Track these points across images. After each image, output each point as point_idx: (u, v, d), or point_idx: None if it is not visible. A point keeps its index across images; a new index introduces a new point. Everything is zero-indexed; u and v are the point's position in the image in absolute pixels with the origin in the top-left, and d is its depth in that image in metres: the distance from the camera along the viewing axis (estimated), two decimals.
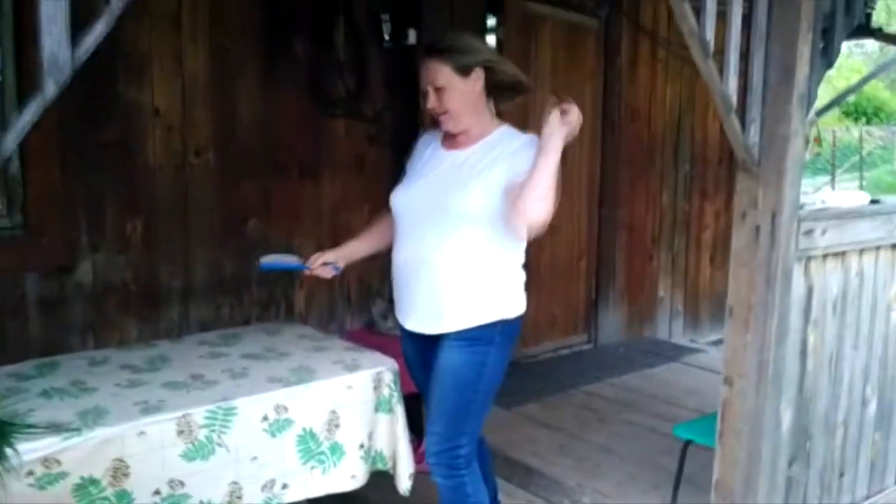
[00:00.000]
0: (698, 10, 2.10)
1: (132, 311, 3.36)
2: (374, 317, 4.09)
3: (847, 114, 20.74)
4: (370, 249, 2.62)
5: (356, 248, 2.62)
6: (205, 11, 3.39)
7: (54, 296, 3.18)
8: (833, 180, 14.71)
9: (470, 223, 2.23)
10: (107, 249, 3.28)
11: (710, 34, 2.12)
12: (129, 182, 3.30)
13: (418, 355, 2.47)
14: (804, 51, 2.25)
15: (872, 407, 2.79)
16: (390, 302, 4.09)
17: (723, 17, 2.18)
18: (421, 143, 2.51)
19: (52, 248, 3.14)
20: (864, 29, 5.79)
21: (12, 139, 1.26)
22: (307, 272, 2.58)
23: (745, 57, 2.26)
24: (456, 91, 2.26)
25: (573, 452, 3.47)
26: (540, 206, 2.10)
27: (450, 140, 2.37)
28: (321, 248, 3.83)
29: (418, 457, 3.53)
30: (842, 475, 2.74)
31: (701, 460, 2.75)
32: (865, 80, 6.58)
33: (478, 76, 2.27)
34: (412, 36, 3.95)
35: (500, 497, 2.78)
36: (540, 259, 4.71)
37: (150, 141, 3.35)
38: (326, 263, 2.56)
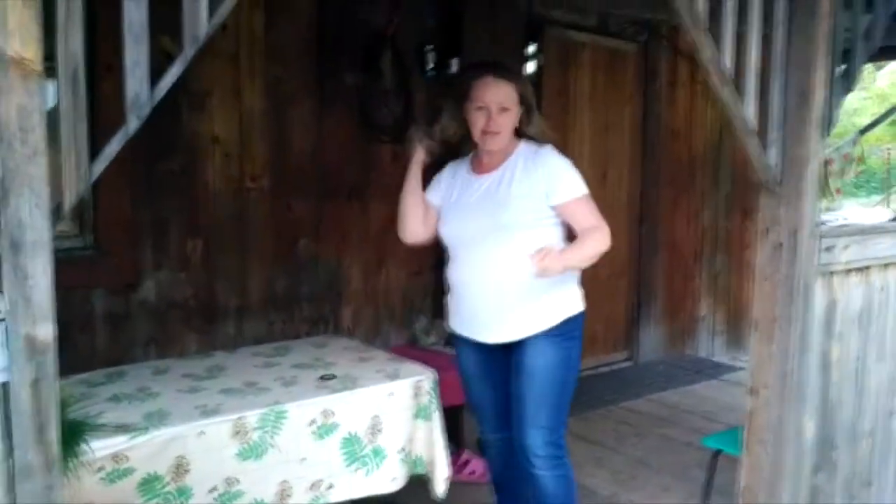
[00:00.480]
0: (717, 37, 2.24)
1: (192, 325, 3.60)
2: (417, 333, 4.26)
3: None
4: (420, 212, 2.71)
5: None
6: (261, 48, 3.64)
7: (120, 311, 3.43)
8: (888, 199, 14.41)
9: (521, 231, 2.41)
10: (169, 268, 3.53)
11: (728, 61, 2.26)
12: (191, 206, 3.55)
13: (481, 365, 2.64)
14: (821, 75, 2.36)
15: None
16: (433, 318, 4.29)
17: (742, 40, 2.31)
18: (447, 174, 2.69)
19: (119, 267, 3.40)
20: None
21: (99, 167, 1.47)
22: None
23: (763, 81, 2.38)
24: (513, 114, 2.48)
25: (609, 465, 3.57)
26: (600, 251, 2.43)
27: (478, 165, 2.57)
28: (367, 266, 4.09)
29: (457, 467, 3.69)
30: (869, 485, 2.79)
31: (732, 472, 2.83)
32: None
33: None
34: (454, 65, 4.14)
35: None
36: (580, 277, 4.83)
37: (209, 168, 3.60)
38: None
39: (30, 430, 1.37)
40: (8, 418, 1.37)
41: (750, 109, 2.34)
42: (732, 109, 2.32)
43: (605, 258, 4.96)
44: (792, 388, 2.45)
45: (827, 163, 6.09)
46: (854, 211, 2.67)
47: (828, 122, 2.45)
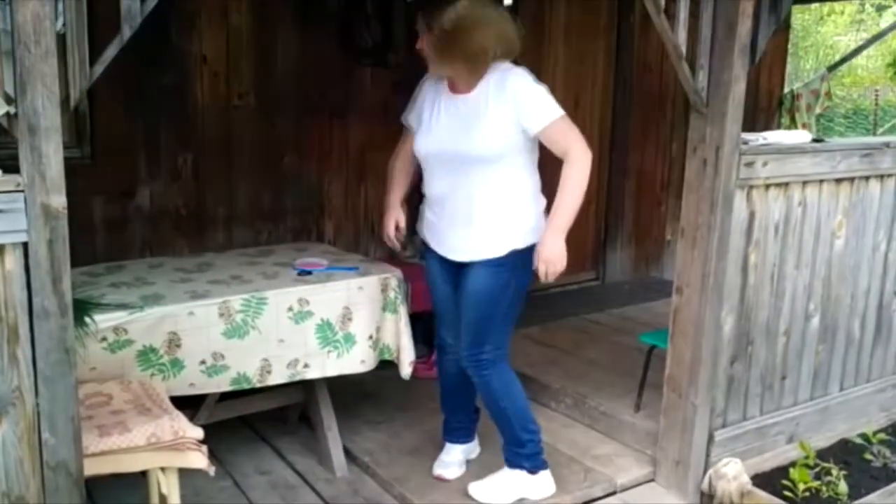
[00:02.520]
0: None
1: (183, 232, 3.91)
2: None
3: None
4: (403, 194, 3.01)
5: (397, 200, 2.98)
6: None
7: (117, 217, 3.74)
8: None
9: (485, 164, 2.57)
10: (162, 179, 3.83)
11: None
12: (181, 121, 3.83)
13: (442, 275, 2.85)
14: (746, 7, 2.62)
15: (815, 321, 3.19)
16: (411, 235, 4.60)
17: None
18: (427, 95, 2.77)
19: (115, 176, 3.70)
20: None
21: (98, 69, 1.75)
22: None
23: (694, 13, 2.64)
24: (428, 38, 2.59)
25: (563, 365, 3.94)
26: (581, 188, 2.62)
27: (452, 86, 2.68)
28: (347, 183, 4.38)
29: (429, 365, 4.07)
30: (784, 378, 3.16)
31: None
32: (862, 48, 6.86)
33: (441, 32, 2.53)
34: None
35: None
36: (550, 201, 5.13)
37: (198, 85, 3.86)
38: (397, 230, 2.95)
39: (47, 281, 1.69)
40: (28, 272, 1.69)
41: (681, 36, 2.61)
42: (665, 36, 2.59)
43: None
44: (711, 288, 2.78)
45: (796, 98, 6.33)
46: (776, 133, 2.92)
47: (753, 51, 2.72)
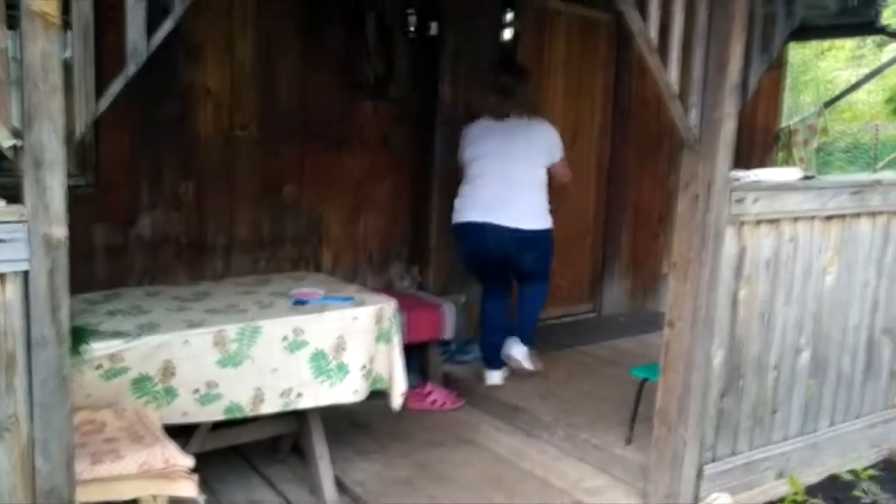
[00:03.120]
0: (644, 11, 2.56)
1: (183, 260, 3.96)
2: (392, 277, 4.63)
3: None
4: None
5: None
6: (253, 5, 3.95)
7: (118, 244, 3.79)
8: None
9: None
10: (164, 207, 3.88)
11: (654, 33, 2.58)
12: (184, 151, 3.89)
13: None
14: (737, 48, 2.69)
15: (806, 356, 3.22)
16: (408, 265, 4.66)
17: (667, 14, 2.63)
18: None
19: (118, 204, 3.75)
20: (873, 26, 6.10)
21: (104, 104, 1.81)
22: None
23: (686, 51, 2.70)
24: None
25: (558, 396, 3.96)
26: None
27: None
28: (346, 214, 4.44)
29: (422, 396, 4.09)
30: (774, 412, 3.17)
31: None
32: (859, 84, 6.97)
33: None
34: (434, 28, 4.45)
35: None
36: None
37: (202, 116, 3.93)
38: None
39: (46, 310, 1.73)
40: (27, 300, 1.73)
41: (673, 76, 2.67)
42: (658, 75, 2.66)
43: (574, 216, 5.55)
44: (702, 321, 2.82)
45: (792, 133, 6.41)
46: (767, 171, 2.99)
47: (744, 90, 2.78)
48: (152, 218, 3.87)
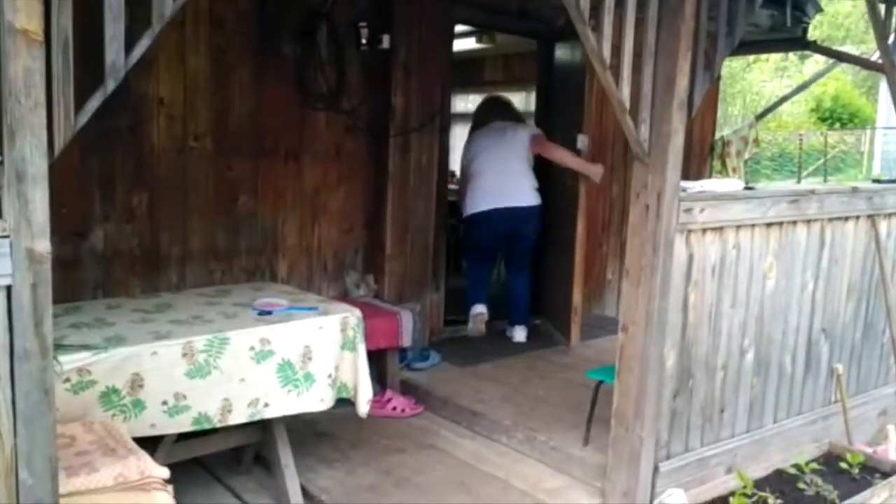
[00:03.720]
0: (598, 31, 2.69)
1: (137, 272, 3.92)
2: (348, 286, 4.67)
3: (823, 119, 21.47)
4: None
5: None
6: (205, 18, 3.96)
7: (70, 257, 3.73)
8: (798, 182, 15.42)
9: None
10: (116, 219, 3.84)
11: (607, 52, 2.71)
12: (137, 162, 3.86)
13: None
14: (684, 66, 2.84)
15: (750, 356, 3.40)
16: (363, 273, 4.70)
17: (619, 34, 2.77)
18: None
19: (69, 217, 3.69)
20: (800, 42, 6.43)
21: (83, 119, 1.83)
22: None
23: (637, 69, 2.85)
24: None
25: (514, 401, 4.07)
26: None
27: None
28: (301, 223, 4.47)
29: (382, 404, 4.14)
30: (722, 411, 3.34)
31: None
32: (788, 97, 7.34)
33: None
34: (386, 41, 4.52)
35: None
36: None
37: (155, 127, 3.91)
38: None
39: (29, 324, 1.74)
40: (10, 314, 1.73)
41: (625, 92, 2.80)
42: (610, 92, 2.79)
43: None
44: (655, 325, 2.96)
45: (725, 144, 6.69)
46: (712, 181, 3.17)
47: (690, 106, 2.94)
48: (105, 230, 3.82)
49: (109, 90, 1.87)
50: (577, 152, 4.93)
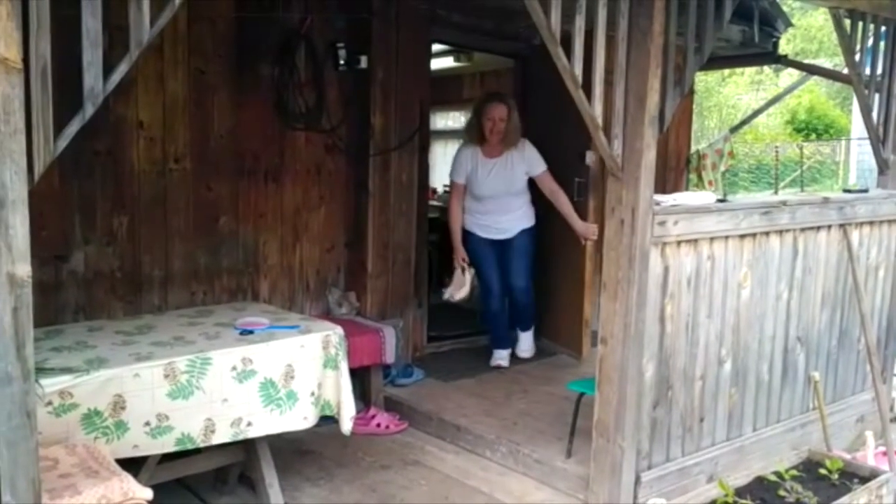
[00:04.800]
0: (569, 50, 2.75)
1: (118, 294, 3.93)
2: (330, 304, 4.69)
3: (798, 130, 21.77)
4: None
5: (460, 236, 4.97)
6: (184, 41, 3.99)
7: (51, 280, 3.73)
8: (776, 193, 15.64)
9: (520, 188, 4.88)
10: (97, 242, 3.85)
11: (578, 70, 2.77)
12: (117, 184, 3.88)
13: (491, 253, 4.95)
14: (654, 83, 2.91)
15: (727, 366, 3.45)
16: (345, 291, 4.72)
17: (590, 53, 2.83)
18: (466, 160, 4.90)
19: (49, 239, 3.70)
20: (772, 56, 6.56)
21: (62, 144, 1.86)
22: None
23: (609, 84, 2.91)
24: (512, 122, 4.76)
25: (497, 415, 4.09)
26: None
27: (487, 152, 4.85)
28: (282, 243, 4.48)
29: (366, 420, 4.15)
30: (702, 420, 3.39)
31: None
32: (761, 110, 7.45)
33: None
34: (363, 61, 4.57)
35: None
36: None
37: (134, 150, 3.93)
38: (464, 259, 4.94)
39: (11, 347, 1.75)
40: None
41: (597, 109, 2.86)
42: (583, 109, 2.85)
43: None
44: (633, 337, 3.00)
45: (701, 157, 6.78)
46: (685, 194, 3.24)
47: (661, 121, 3.00)
48: (85, 253, 3.83)
49: (88, 115, 1.89)
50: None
